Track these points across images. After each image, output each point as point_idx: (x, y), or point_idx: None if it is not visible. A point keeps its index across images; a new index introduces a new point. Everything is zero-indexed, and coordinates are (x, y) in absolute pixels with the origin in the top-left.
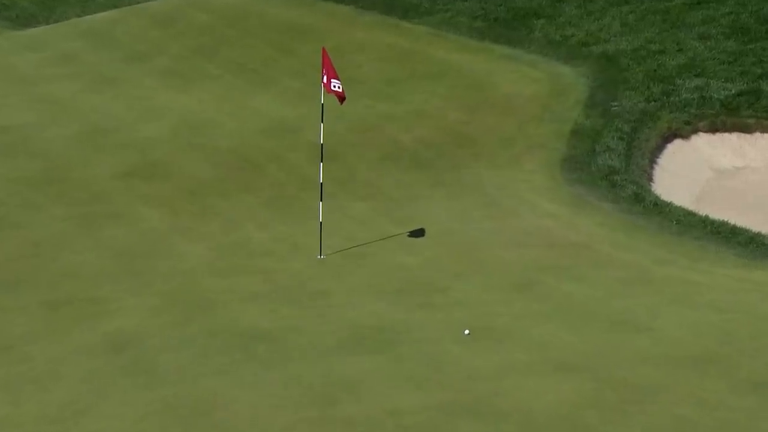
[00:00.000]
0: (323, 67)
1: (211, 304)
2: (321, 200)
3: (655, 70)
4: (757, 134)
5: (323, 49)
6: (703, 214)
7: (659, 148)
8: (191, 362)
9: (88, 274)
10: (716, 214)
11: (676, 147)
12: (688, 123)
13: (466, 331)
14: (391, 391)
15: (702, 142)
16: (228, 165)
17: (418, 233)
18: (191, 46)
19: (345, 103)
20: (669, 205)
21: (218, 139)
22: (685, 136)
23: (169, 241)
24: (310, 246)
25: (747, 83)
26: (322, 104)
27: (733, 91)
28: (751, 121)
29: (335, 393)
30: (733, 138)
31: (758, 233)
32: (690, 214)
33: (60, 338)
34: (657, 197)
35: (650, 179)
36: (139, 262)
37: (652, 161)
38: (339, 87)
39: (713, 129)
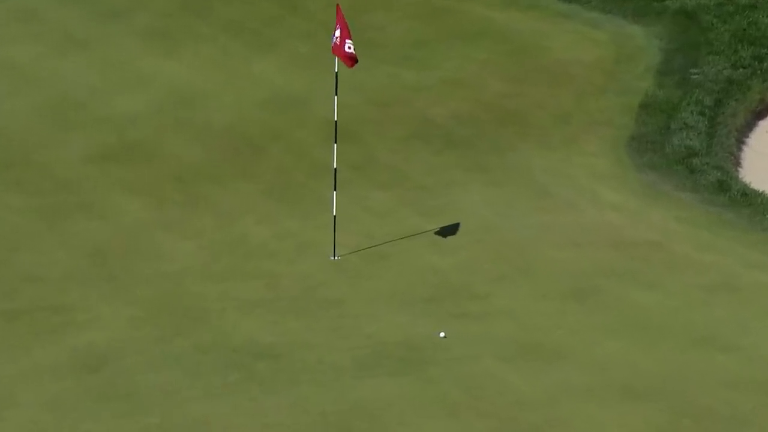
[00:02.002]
0: (336, 27)
1: (203, 315)
2: (335, 189)
3: (744, 30)
4: None
5: (337, 6)
6: None
7: (749, 125)
8: (178, 384)
9: (53, 278)
10: None
11: None
12: None
13: (441, 334)
14: (420, 420)
15: None
16: (223, 146)
17: (452, 229)
18: (178, 1)
19: (356, 66)
20: (761, 195)
21: (211, 114)
22: None
23: (152, 237)
24: (322, 245)
25: None
26: (336, 72)
27: None
28: None
29: (351, 423)
30: None
31: None
32: None
33: (18, 355)
34: (746, 185)
35: (738, 163)
36: (116, 263)
37: (740, 141)
38: (352, 49)
39: None
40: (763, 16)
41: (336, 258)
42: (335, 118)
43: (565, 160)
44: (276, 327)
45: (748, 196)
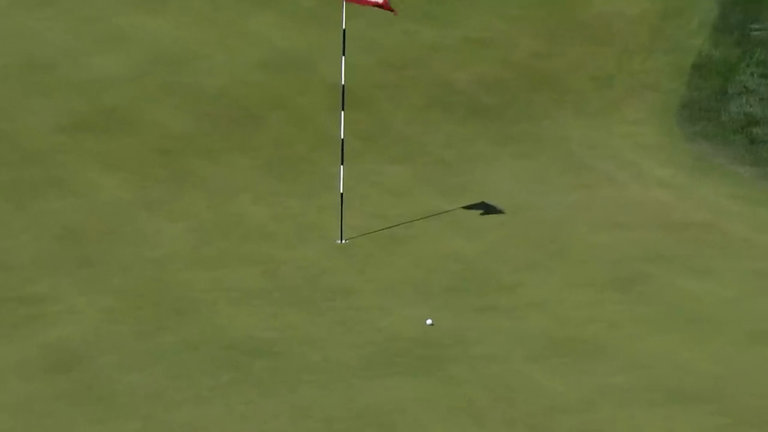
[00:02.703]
0: None
1: (191, 306)
2: (342, 163)
3: None
4: None
5: None
6: None
7: None
8: (163, 386)
9: (20, 265)
10: None
11: None
12: None
13: (428, 321)
14: (439, 428)
15: None
16: (214, 114)
17: (477, 209)
18: None
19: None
20: None
21: (201, 77)
22: None
23: (133, 218)
24: (327, 227)
25: None
26: (344, 29)
27: None
28: None
29: (360, 430)
30: None
31: None
32: None
33: None
34: None
35: None
36: (91, 248)
37: None
38: None
39: None
40: None
41: (343, 242)
42: (342, 82)
43: (605, 130)
44: (275, 321)
45: None
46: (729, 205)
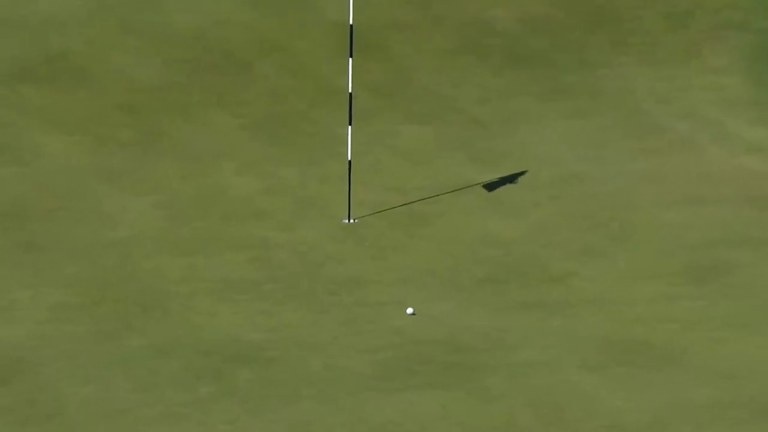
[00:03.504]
0: None
1: (162, 302)
2: (350, 123)
3: None
4: None
5: None
6: None
7: None
8: (127, 401)
9: None
10: None
11: None
12: None
13: (410, 310)
14: None
15: None
16: (190, 61)
17: (518, 181)
18: None
19: None
20: None
21: (173, 15)
22: None
23: (88, 191)
24: (331, 202)
25: None
26: None
27: None
28: None
29: None
30: None
31: None
32: None
33: None
34: None
35: None
36: (37, 228)
37: None
38: None
39: None
40: None
41: (352, 221)
42: (350, 21)
43: (680, 80)
44: (266, 319)
45: None
46: None
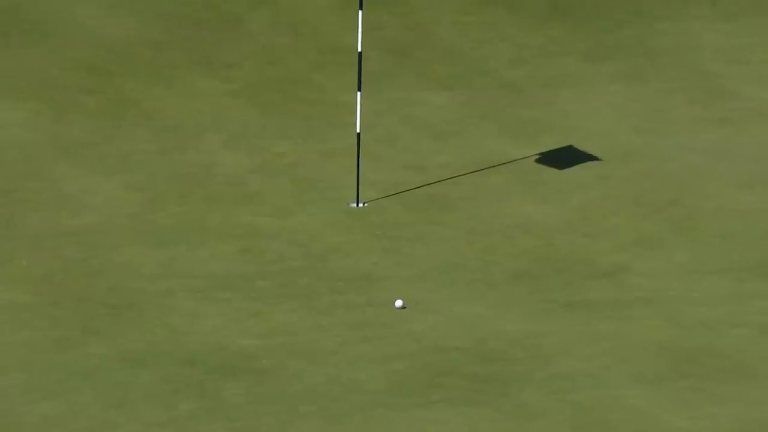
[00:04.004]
0: None
1: (134, 302)
2: (359, 89)
3: None
4: None
5: None
6: None
7: None
8: (93, 419)
9: None
10: None
11: None
12: None
13: (398, 302)
14: None
15: None
16: (168, 16)
17: (560, 157)
18: None
19: None
20: None
21: None
22: None
23: (46, 169)
24: (336, 183)
25: None
26: None
27: None
28: None
29: None
30: None
31: None
32: None
33: None
34: None
35: None
36: None
37: None
38: None
39: None
40: None
41: (361, 206)
42: None
43: (756, 35)
44: (259, 322)
45: None
46: None
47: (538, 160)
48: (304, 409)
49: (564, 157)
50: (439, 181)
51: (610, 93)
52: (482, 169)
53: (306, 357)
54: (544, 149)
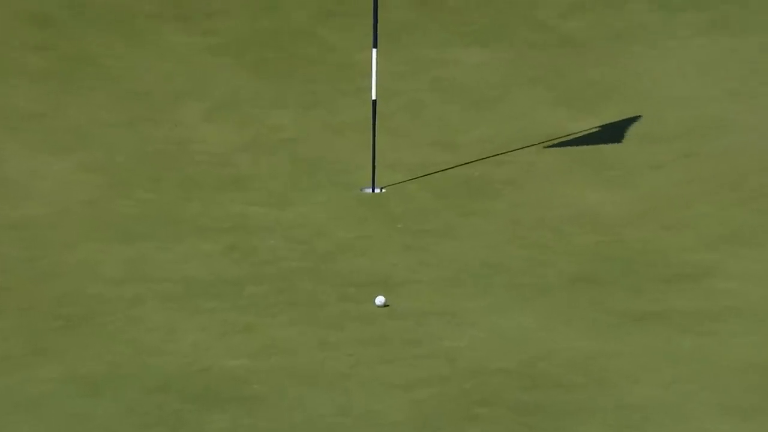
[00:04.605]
0: None
1: (91, 312)
2: (375, 45)
3: None
4: None
5: None
6: None
7: None
8: None
9: None
10: None
11: None
12: None
13: (380, 299)
14: None
15: None
16: None
17: (629, 130)
18: None
19: None
20: None
21: None
22: None
23: None
24: (347, 164)
25: None
26: None
27: None
28: None
29: None
30: None
31: None
32: None
33: None
34: None
35: None
36: None
37: None
38: None
39: None
40: None
41: (377, 191)
42: None
43: None
44: (249, 338)
45: None
46: None
47: (601, 134)
48: None
49: (635, 131)
50: (476, 160)
51: (693, 48)
52: (530, 146)
53: (307, 381)
54: (610, 120)
